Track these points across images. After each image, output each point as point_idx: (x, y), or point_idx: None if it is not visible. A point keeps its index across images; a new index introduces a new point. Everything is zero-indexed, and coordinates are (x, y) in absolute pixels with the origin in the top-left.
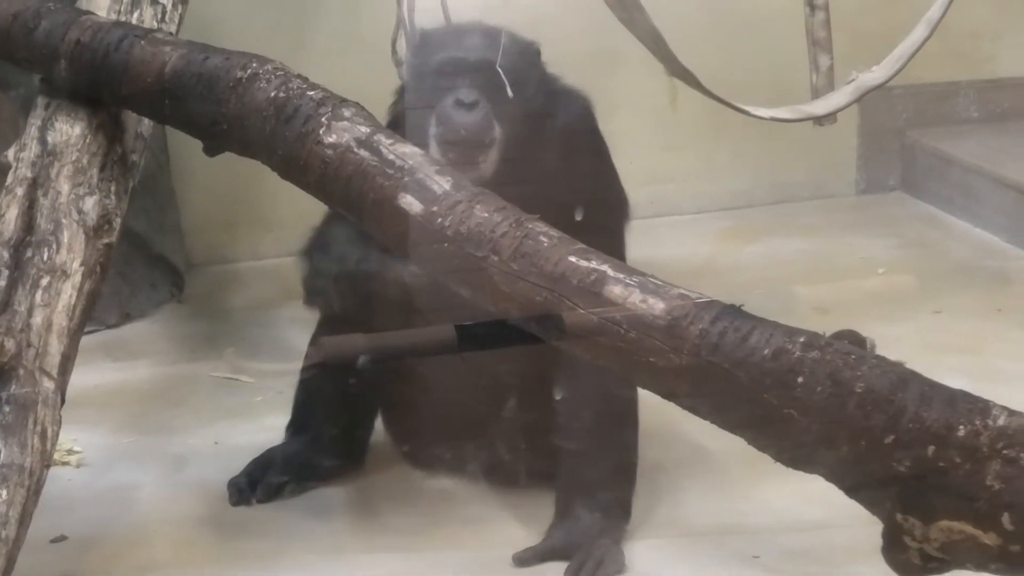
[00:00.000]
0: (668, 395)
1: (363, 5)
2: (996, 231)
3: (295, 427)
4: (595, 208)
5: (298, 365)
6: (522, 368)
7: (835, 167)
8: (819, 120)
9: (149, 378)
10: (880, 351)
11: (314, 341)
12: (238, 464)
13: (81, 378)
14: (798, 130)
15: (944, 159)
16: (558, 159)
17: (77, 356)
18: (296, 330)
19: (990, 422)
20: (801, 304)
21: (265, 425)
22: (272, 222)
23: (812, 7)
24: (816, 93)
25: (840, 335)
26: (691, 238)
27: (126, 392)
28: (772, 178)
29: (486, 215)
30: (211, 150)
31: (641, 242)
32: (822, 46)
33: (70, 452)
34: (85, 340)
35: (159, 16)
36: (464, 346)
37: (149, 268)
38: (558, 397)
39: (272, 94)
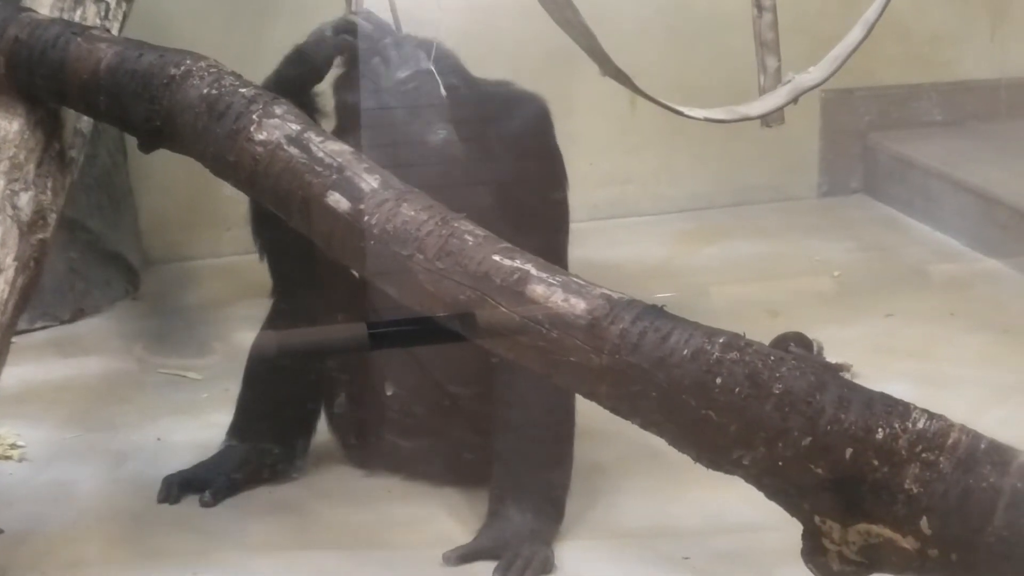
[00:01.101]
0: (589, 395)
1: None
2: (955, 234)
3: (236, 427)
4: (537, 211)
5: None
6: (460, 365)
7: (796, 170)
8: (765, 121)
9: (98, 374)
10: (828, 354)
11: (257, 339)
12: (178, 461)
13: (30, 373)
14: (759, 133)
15: (905, 162)
16: (507, 160)
17: (28, 352)
18: (248, 328)
19: (909, 425)
20: (753, 306)
21: (209, 422)
22: (230, 220)
23: (760, 8)
24: (764, 94)
25: (786, 337)
26: (649, 240)
27: (74, 388)
28: (732, 180)
29: (412, 213)
30: (145, 147)
31: (599, 243)
32: (769, 48)
33: (13, 447)
34: (37, 336)
35: (102, 13)
36: (379, 344)
37: (104, 265)
38: (493, 395)
39: (205, 91)
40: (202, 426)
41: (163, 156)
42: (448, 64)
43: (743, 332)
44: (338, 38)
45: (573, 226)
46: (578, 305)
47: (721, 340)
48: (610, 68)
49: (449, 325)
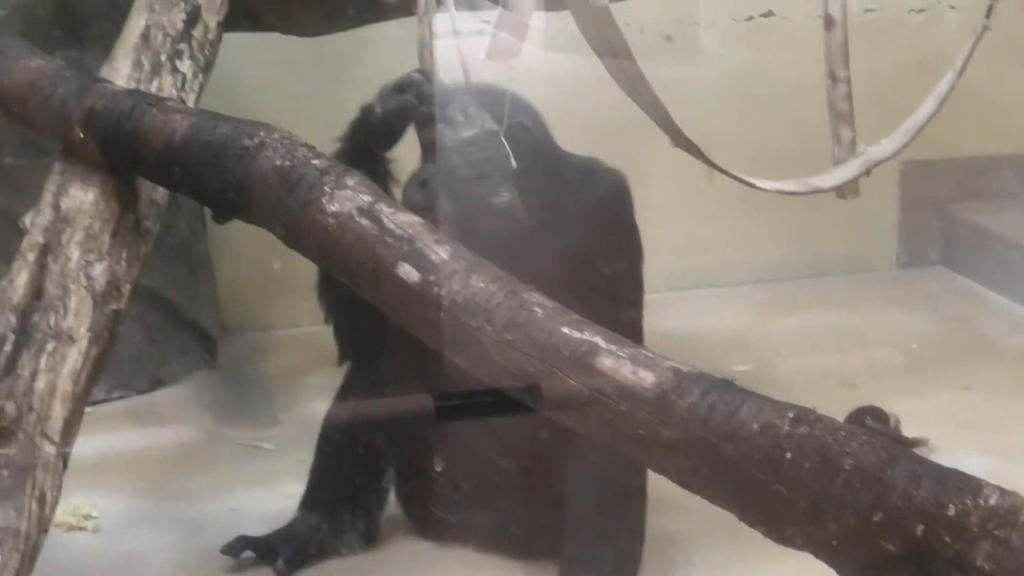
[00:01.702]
0: (658, 468)
1: (390, 73)
2: None
3: (309, 498)
4: (616, 286)
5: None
6: (530, 437)
7: (875, 241)
8: (839, 193)
9: (173, 444)
10: (905, 428)
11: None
12: (252, 532)
13: (105, 443)
14: (837, 203)
15: (984, 233)
16: (584, 232)
17: (104, 422)
18: (323, 398)
19: (981, 501)
20: (829, 378)
21: (283, 492)
22: (308, 289)
23: (834, 79)
24: (837, 165)
25: (862, 411)
26: (725, 310)
27: (149, 458)
28: (810, 251)
29: (482, 285)
30: (220, 218)
31: (675, 314)
32: (844, 119)
33: (87, 518)
34: (113, 406)
35: (179, 84)
36: (447, 416)
37: (181, 334)
38: (563, 466)
39: (278, 163)
40: (276, 497)
41: (241, 225)
42: (523, 118)
43: (818, 405)
44: (403, 98)
45: (649, 296)
46: (647, 378)
47: (791, 414)
48: (681, 140)
49: (518, 397)
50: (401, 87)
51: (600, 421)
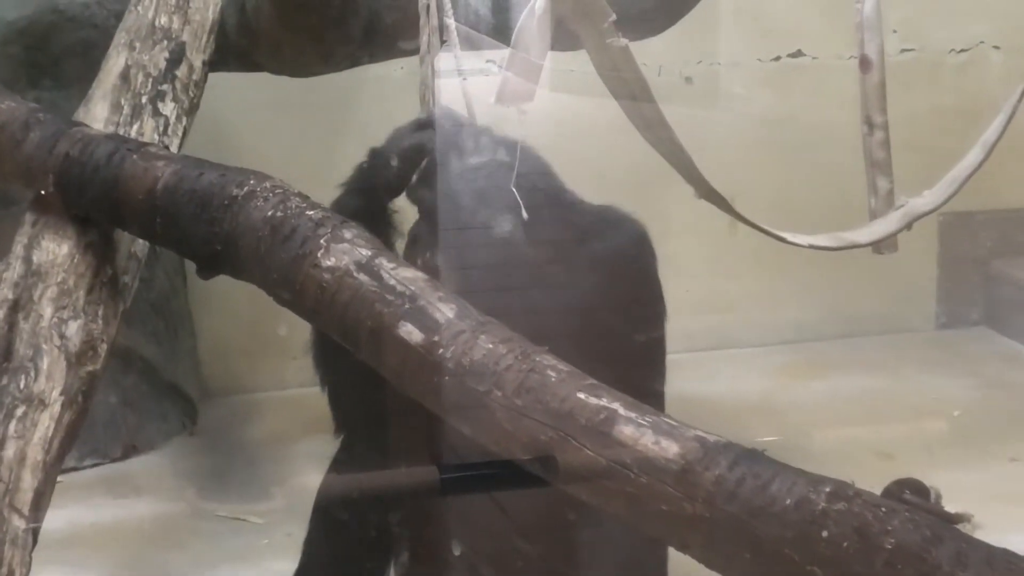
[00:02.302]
0: (681, 546)
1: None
2: None
3: None
4: (637, 347)
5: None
6: (542, 512)
7: (912, 299)
8: (876, 248)
9: (151, 516)
10: (947, 502)
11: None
12: None
13: (77, 515)
14: (871, 258)
15: None
16: (602, 291)
17: (75, 492)
18: (314, 467)
19: None
20: (864, 449)
21: (271, 570)
22: (296, 349)
23: (870, 126)
24: (874, 218)
25: (901, 484)
26: (749, 374)
27: (124, 531)
28: (841, 309)
29: (490, 346)
30: (204, 273)
31: (695, 377)
32: (881, 168)
33: None
34: (85, 474)
35: (160, 128)
36: (451, 490)
37: (160, 397)
38: (578, 545)
39: (269, 213)
40: (262, 574)
41: (225, 280)
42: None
43: (853, 478)
44: (422, 137)
45: (671, 358)
46: (670, 448)
47: (827, 489)
48: (705, 189)
49: (529, 468)
50: (419, 127)
51: (619, 495)
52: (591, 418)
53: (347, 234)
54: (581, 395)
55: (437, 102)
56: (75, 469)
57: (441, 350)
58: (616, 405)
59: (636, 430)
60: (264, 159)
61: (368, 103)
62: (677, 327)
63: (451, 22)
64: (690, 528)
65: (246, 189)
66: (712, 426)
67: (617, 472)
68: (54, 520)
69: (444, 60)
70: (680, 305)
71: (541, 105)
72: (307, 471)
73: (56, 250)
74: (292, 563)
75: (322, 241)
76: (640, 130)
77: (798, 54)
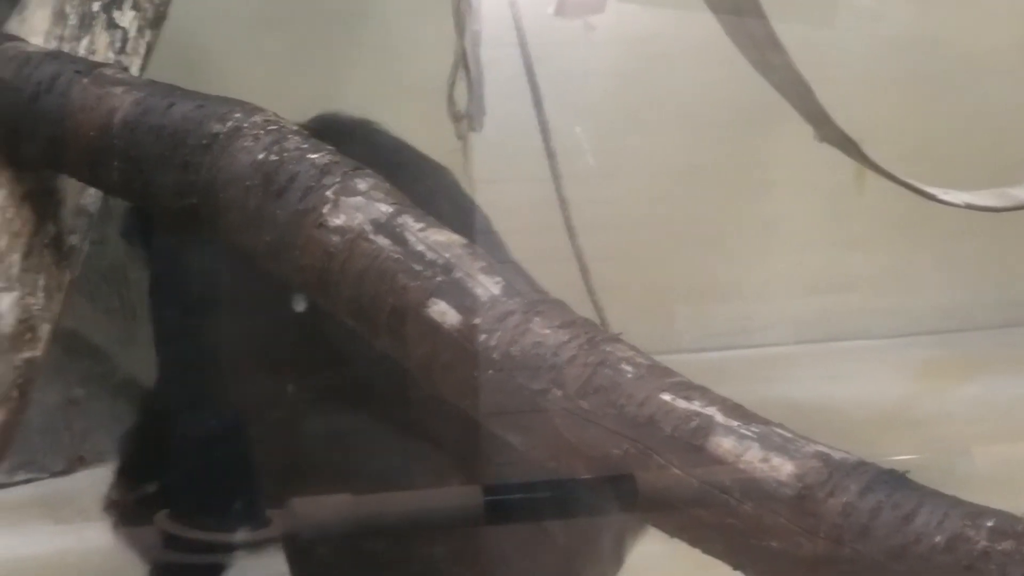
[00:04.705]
0: None
1: (413, 35)
2: None
3: None
4: None
5: None
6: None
7: None
8: None
9: (102, 546)
10: None
11: None
12: None
13: (10, 544)
14: None
15: None
16: None
17: (5, 515)
18: None
19: None
20: None
21: None
22: None
23: None
24: None
25: None
26: (879, 373)
27: (69, 565)
28: (1000, 291)
29: (547, 332)
30: (174, 231)
31: (808, 376)
32: None
33: None
34: (19, 492)
35: (118, 44)
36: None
37: (113, 396)
38: None
39: (260, 156)
40: None
41: None
42: None
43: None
44: None
45: (771, 350)
46: (783, 467)
47: (989, 523)
48: (830, 132)
49: (596, 491)
50: None
51: (715, 528)
52: (679, 427)
53: (361, 184)
54: (666, 396)
55: (470, 12)
56: (6, 486)
57: (484, 336)
58: (712, 410)
59: (738, 443)
60: (251, 87)
61: (385, 15)
62: (785, 311)
63: None
64: (808, 572)
65: (230, 125)
66: (834, 440)
67: (713, 497)
68: None
69: None
70: (790, 283)
71: (615, 19)
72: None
73: None
74: None
75: (329, 193)
76: (744, 52)
77: None
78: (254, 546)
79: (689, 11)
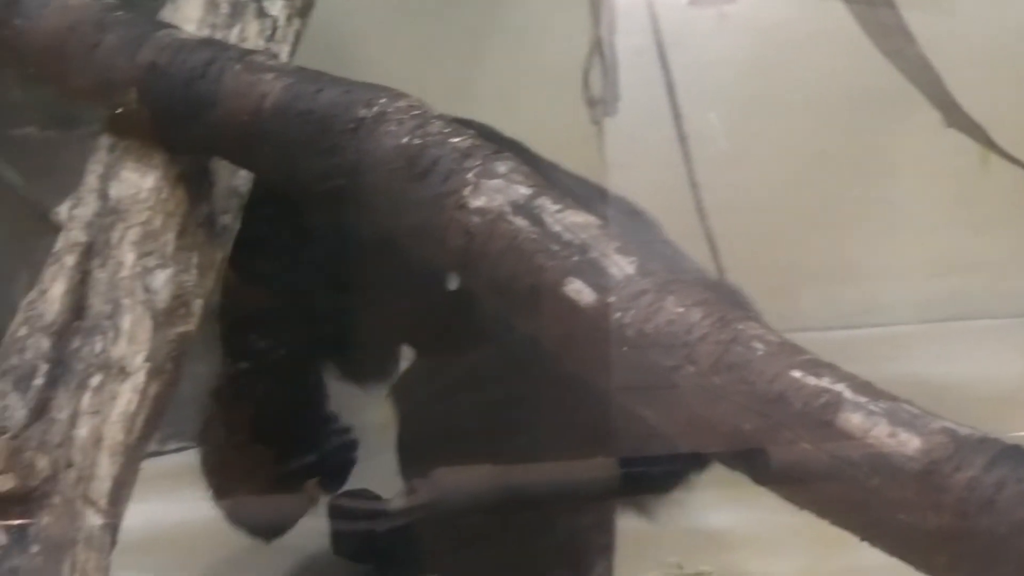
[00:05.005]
0: (923, 565)
1: (549, 23)
2: None
3: None
4: None
5: None
6: None
7: None
8: None
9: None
10: None
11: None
12: None
13: (159, 512)
14: None
15: None
16: None
17: (158, 482)
18: None
19: None
20: None
21: None
22: None
23: None
24: None
25: None
26: (1005, 352)
27: (216, 532)
28: None
29: (681, 310)
30: (321, 212)
31: (932, 355)
32: None
33: None
34: (171, 461)
35: (268, 32)
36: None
37: None
38: None
39: (404, 140)
40: None
41: None
42: None
43: None
44: None
45: (893, 329)
46: (910, 443)
47: None
48: (958, 118)
49: (725, 463)
50: None
51: (842, 501)
52: (809, 402)
53: (501, 168)
54: (796, 373)
55: (605, 1)
56: (158, 454)
57: (618, 314)
58: (841, 387)
59: (866, 419)
60: (391, 73)
61: (523, 6)
62: (908, 291)
63: None
64: (935, 544)
65: (375, 110)
66: (958, 416)
67: (841, 471)
68: (132, 518)
69: None
70: (914, 264)
71: (748, 7)
72: None
73: (139, 183)
74: None
75: (470, 176)
76: (874, 40)
77: None
78: (400, 515)
79: (820, 0)
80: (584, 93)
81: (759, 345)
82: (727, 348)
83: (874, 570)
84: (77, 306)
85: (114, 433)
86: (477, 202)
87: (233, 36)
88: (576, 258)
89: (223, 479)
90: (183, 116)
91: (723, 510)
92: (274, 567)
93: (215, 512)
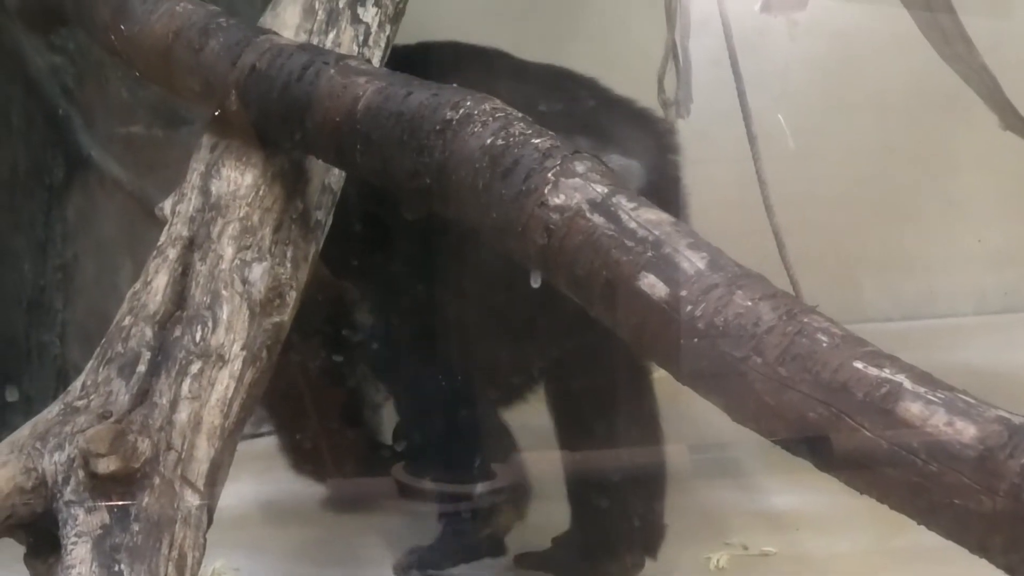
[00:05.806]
0: (978, 548)
1: (626, 29)
2: None
3: None
4: None
5: None
6: None
7: None
8: None
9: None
10: None
11: None
12: None
13: (253, 491)
14: None
15: None
16: None
17: (252, 464)
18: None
19: None
20: None
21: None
22: None
23: None
24: None
25: None
26: None
27: (307, 511)
28: None
29: (749, 303)
30: (411, 209)
31: (990, 345)
32: None
33: None
34: (264, 443)
35: (360, 38)
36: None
37: None
38: None
39: (488, 141)
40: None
41: None
42: None
43: None
44: None
45: (951, 320)
46: (966, 430)
47: None
48: (1014, 120)
49: (790, 450)
50: None
51: (902, 485)
52: (870, 392)
53: (579, 167)
54: (858, 364)
55: (680, 7)
56: (253, 436)
57: (690, 307)
58: (901, 377)
59: (925, 408)
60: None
61: (601, 11)
62: (966, 283)
63: None
64: (990, 528)
65: (461, 112)
66: (1013, 405)
67: (901, 458)
68: (227, 497)
69: None
70: (971, 256)
71: (816, 14)
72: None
73: (238, 180)
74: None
75: (550, 175)
76: (935, 46)
77: None
78: (485, 496)
79: (884, 7)
80: (659, 96)
81: (824, 337)
82: (793, 340)
83: (931, 552)
84: (179, 297)
85: (212, 417)
86: (556, 200)
87: (328, 41)
88: (650, 253)
89: (309, 460)
90: (280, 117)
91: (787, 494)
92: (356, 544)
93: (302, 492)
